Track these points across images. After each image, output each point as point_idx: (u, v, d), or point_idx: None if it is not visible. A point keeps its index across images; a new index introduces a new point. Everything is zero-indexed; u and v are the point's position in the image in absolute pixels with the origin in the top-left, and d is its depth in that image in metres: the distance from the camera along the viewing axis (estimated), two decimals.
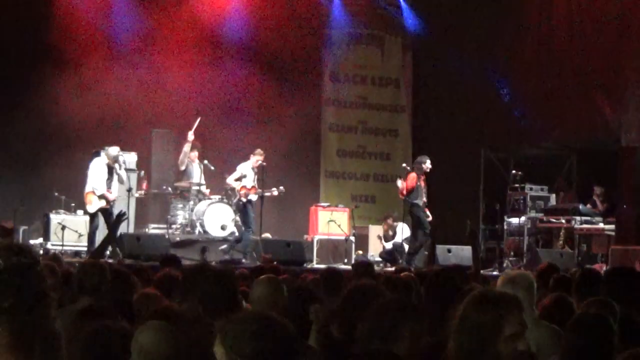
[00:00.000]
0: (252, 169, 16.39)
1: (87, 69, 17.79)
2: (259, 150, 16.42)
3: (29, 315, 2.18)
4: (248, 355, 2.93)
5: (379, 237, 17.75)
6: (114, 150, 15.31)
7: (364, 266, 8.30)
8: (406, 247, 17.46)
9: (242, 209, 16.24)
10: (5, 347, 2.15)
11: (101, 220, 15.09)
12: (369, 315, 4.07)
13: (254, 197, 16.29)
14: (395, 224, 17.84)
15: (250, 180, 16.35)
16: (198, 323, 4.86)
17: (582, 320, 4.59)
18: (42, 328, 2.20)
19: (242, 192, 16.23)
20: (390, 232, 17.78)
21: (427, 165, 16.84)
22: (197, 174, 17.28)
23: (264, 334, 2.95)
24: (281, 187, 16.61)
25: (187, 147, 17.05)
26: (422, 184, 16.75)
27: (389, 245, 17.58)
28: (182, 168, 17.15)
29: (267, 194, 16.58)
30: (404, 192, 16.65)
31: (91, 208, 15.18)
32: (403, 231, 17.64)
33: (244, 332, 2.96)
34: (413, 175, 16.71)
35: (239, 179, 16.31)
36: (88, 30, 18.00)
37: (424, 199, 16.72)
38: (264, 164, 16.51)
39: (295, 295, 5.28)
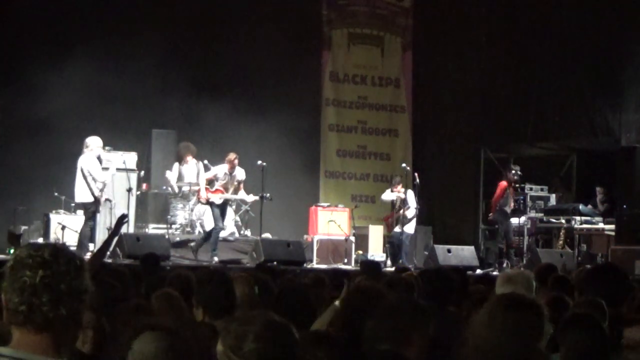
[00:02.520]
0: (227, 173, 16.19)
1: (85, 67, 17.79)
2: (231, 154, 16.27)
3: (61, 318, 2.36)
4: (249, 356, 2.92)
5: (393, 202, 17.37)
6: (98, 140, 15.27)
7: (370, 265, 8.33)
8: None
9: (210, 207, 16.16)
10: (34, 346, 2.33)
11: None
12: (378, 316, 4.04)
13: (218, 200, 16.06)
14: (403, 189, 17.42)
15: (221, 183, 16.20)
16: (199, 328, 4.87)
17: (573, 321, 4.61)
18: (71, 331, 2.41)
19: (201, 195, 16.13)
20: (403, 197, 17.30)
21: (514, 173, 17.21)
22: (192, 174, 17.25)
23: (265, 336, 2.95)
24: (267, 194, 16.41)
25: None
26: (511, 190, 17.17)
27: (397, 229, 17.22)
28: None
29: (236, 197, 16.35)
30: (496, 201, 17.11)
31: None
32: (407, 198, 17.28)
33: (246, 333, 2.96)
34: (504, 183, 17.14)
35: (211, 181, 16.20)
36: (86, 24, 18.01)
37: (511, 206, 17.13)
38: (264, 164, 16.48)
39: (288, 296, 5.29)
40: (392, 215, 17.52)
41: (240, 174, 16.19)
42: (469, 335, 3.37)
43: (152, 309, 5.13)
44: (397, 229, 17.25)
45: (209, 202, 16.06)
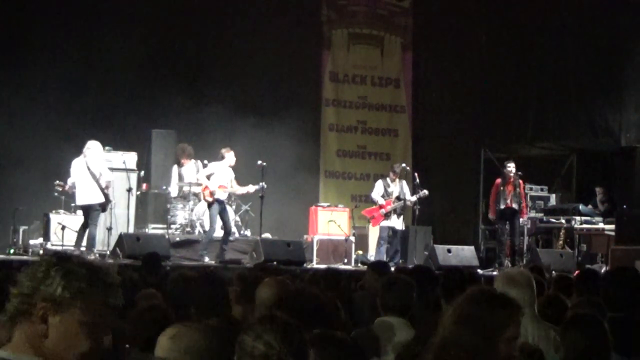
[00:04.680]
0: (228, 167, 16.13)
1: (85, 66, 17.81)
2: (229, 149, 16.27)
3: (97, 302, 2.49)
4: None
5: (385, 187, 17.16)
6: (99, 144, 15.35)
7: (379, 265, 8.37)
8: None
9: (208, 207, 16.13)
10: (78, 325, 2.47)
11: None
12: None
13: (223, 195, 16.02)
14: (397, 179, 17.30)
15: (223, 179, 16.07)
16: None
17: (576, 321, 4.61)
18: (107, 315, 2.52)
19: (206, 191, 16.09)
20: (395, 187, 17.20)
21: (508, 169, 16.88)
22: (191, 175, 17.24)
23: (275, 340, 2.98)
24: (262, 184, 16.32)
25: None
26: (508, 188, 16.79)
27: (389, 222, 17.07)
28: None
29: (241, 191, 16.26)
30: (492, 200, 17.05)
31: None
32: (403, 188, 17.22)
33: (258, 338, 2.98)
34: (497, 180, 17.02)
35: (207, 177, 16.18)
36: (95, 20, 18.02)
37: (507, 204, 16.77)
38: (264, 163, 16.48)
39: (301, 296, 5.29)
40: (385, 205, 17.19)
41: (231, 171, 16.20)
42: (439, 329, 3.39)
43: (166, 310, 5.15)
44: (394, 224, 17.02)
45: (214, 200, 15.92)
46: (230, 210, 16.74)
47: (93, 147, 15.19)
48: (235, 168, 16.49)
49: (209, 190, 15.92)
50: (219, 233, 16.69)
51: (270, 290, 5.12)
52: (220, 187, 15.91)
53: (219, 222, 16.03)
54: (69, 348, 2.45)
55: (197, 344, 3.32)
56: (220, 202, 15.93)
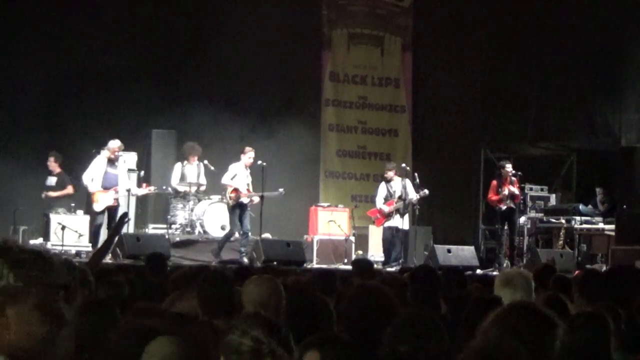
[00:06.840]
0: (245, 168, 16.31)
1: (85, 66, 17.82)
2: (248, 148, 16.37)
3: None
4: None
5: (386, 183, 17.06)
6: (114, 143, 15.42)
7: (364, 264, 8.35)
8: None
9: (231, 210, 16.19)
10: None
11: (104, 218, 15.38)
12: (397, 325, 4.07)
13: (245, 199, 16.14)
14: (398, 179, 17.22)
15: (243, 181, 16.24)
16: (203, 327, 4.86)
17: (580, 320, 4.60)
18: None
19: (233, 195, 16.12)
20: (395, 188, 17.10)
21: (506, 169, 16.81)
22: (193, 175, 17.23)
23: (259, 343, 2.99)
24: (280, 190, 16.47)
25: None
26: (506, 188, 16.72)
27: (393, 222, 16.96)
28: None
29: (256, 198, 16.23)
30: (492, 199, 17.02)
31: (98, 207, 15.29)
32: (406, 187, 17.14)
33: (242, 342, 2.99)
34: (493, 182, 16.99)
35: (232, 179, 16.24)
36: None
37: (508, 205, 16.76)
38: (264, 163, 16.47)
39: (295, 295, 5.28)
40: (390, 203, 17.09)
41: (248, 174, 16.28)
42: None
43: (159, 309, 5.12)
44: (397, 223, 16.93)
45: (237, 203, 16.04)
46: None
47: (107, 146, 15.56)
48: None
49: (235, 194, 16.00)
50: (216, 234, 16.75)
51: (258, 288, 5.10)
52: (243, 193, 16.04)
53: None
54: (30, 336, 2.44)
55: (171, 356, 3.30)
56: (242, 206, 16.02)
